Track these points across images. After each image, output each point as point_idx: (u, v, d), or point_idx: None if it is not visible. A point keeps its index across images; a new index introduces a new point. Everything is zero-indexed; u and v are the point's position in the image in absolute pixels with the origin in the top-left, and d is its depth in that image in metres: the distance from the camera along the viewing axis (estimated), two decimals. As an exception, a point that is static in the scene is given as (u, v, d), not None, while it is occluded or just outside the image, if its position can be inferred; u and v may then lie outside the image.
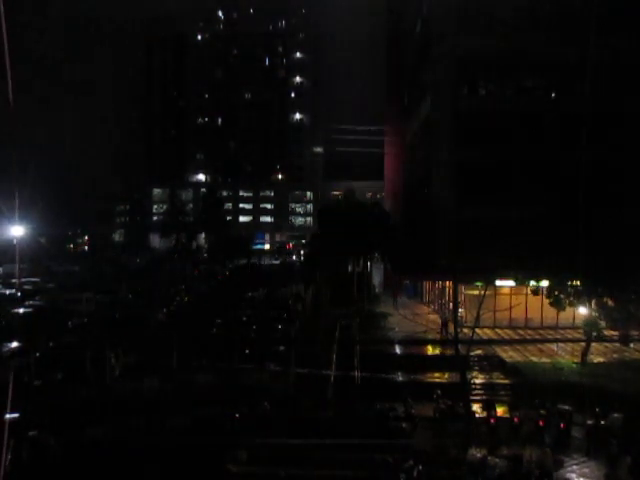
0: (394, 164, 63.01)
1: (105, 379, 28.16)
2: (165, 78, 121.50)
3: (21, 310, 41.85)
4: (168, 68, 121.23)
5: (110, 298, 48.45)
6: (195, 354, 29.99)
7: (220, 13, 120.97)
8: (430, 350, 34.21)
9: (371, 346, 32.55)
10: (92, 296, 47.97)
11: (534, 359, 31.70)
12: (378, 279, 55.36)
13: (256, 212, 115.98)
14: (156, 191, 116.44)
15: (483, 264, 29.70)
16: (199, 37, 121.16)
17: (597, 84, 35.01)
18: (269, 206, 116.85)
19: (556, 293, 31.19)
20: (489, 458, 18.69)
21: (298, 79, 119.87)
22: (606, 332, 31.49)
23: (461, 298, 34.29)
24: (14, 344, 31.62)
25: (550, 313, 37.26)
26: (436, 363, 31.06)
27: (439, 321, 37.51)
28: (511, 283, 36.25)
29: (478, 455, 19.43)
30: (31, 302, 45.83)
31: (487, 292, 27.71)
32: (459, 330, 25.61)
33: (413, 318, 42.45)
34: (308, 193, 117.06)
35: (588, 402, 22.08)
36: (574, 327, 36.72)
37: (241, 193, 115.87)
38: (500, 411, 23.59)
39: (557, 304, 31.58)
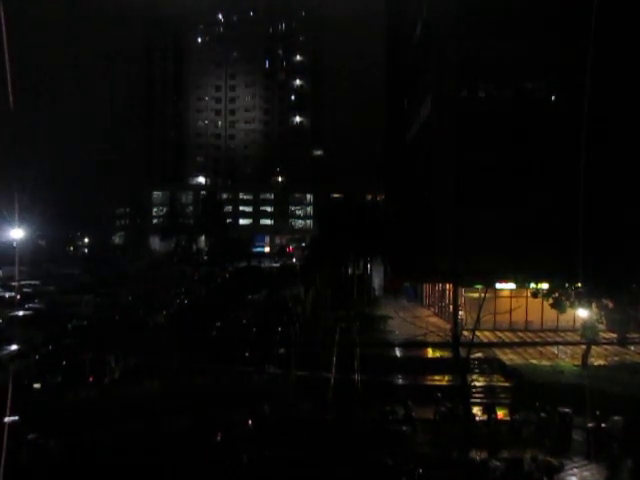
0: (394, 166, 62.93)
1: (105, 382, 28.12)
2: (165, 80, 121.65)
3: (21, 313, 41.78)
4: (168, 70, 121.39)
5: (110, 301, 48.45)
6: (195, 357, 29.92)
7: (220, 16, 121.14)
8: (430, 353, 34.15)
9: (371, 349, 32.48)
10: (92, 299, 48.05)
11: (534, 362, 31.61)
12: (378, 282, 55.32)
13: (256, 215, 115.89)
14: (156, 194, 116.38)
15: (484, 266, 29.62)
16: (199, 39, 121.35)
17: (597, 85, 34.94)
18: (269, 209, 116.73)
19: (557, 295, 31.15)
20: (489, 461, 18.65)
21: (298, 82, 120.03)
22: (606, 335, 31.44)
23: (461, 301, 34.19)
24: (14, 347, 31.57)
25: (550, 316, 37.21)
26: (436, 366, 30.97)
27: (440, 324, 37.40)
28: (511, 286, 36.17)
29: (478, 458, 19.40)
30: (31, 305, 45.76)
31: (487, 295, 27.63)
32: (459, 333, 25.55)
33: (413, 321, 42.33)
34: (308, 196, 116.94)
35: (589, 405, 22.02)
36: (574, 330, 36.65)
37: (241, 196, 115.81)
38: (500, 414, 23.52)
39: (558, 306, 31.53)
